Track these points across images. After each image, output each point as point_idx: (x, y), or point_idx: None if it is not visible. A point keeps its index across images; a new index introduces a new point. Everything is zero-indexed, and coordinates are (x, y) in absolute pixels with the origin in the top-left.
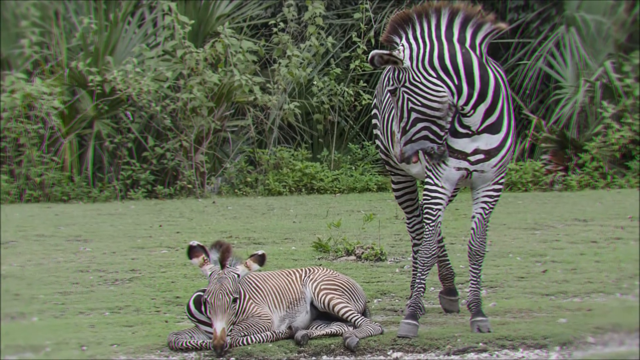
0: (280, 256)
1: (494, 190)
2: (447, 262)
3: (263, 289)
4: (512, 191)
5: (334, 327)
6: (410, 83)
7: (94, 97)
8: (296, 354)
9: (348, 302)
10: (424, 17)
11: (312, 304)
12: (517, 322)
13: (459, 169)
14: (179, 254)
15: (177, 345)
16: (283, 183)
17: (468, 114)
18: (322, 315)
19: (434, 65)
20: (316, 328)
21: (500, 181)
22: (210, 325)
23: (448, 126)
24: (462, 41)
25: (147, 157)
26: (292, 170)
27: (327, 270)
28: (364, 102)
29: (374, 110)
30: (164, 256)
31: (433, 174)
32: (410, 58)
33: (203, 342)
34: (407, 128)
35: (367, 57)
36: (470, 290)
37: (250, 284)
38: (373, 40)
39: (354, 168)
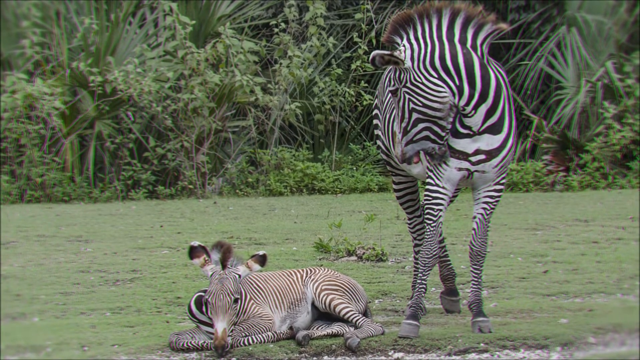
0: (282, 256)
1: (495, 190)
2: (448, 263)
3: (264, 290)
4: (513, 192)
5: (335, 328)
6: (412, 83)
7: (95, 97)
8: (297, 355)
9: (349, 303)
10: (425, 18)
11: (313, 304)
12: (518, 322)
13: (460, 169)
14: (180, 254)
15: (178, 345)
16: (284, 183)
17: (469, 115)
18: (323, 315)
19: (435, 66)
20: (317, 328)
21: (502, 182)
22: (211, 325)
23: (449, 127)
24: (463, 42)
25: (148, 157)
26: (293, 170)
27: (328, 270)
28: (365, 103)
29: (375, 111)
30: (165, 257)
31: (434, 174)
32: (412, 58)
33: (204, 342)
34: (408, 128)
35: (368, 57)
36: (472, 291)
37: (252, 284)
38: (374, 41)
39: (355, 168)
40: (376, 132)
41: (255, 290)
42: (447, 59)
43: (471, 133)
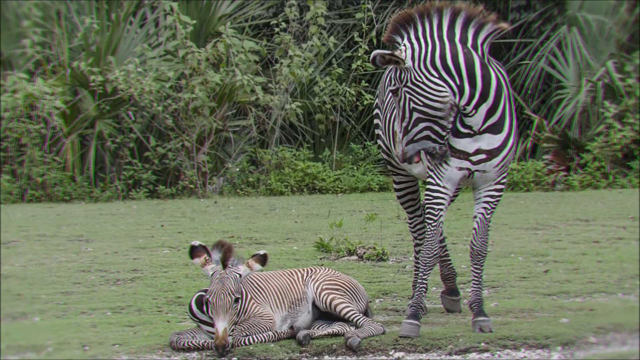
0: (282, 256)
1: (495, 190)
2: (449, 262)
3: (265, 289)
4: (514, 191)
5: (336, 327)
6: (412, 83)
7: (95, 97)
8: (298, 354)
9: (350, 302)
10: (425, 17)
11: (314, 304)
12: (519, 322)
13: (460, 169)
14: (180, 253)
15: (179, 345)
16: (285, 183)
17: (470, 114)
18: (324, 315)
19: (435, 65)
20: (318, 328)
21: (502, 181)
22: (212, 325)
23: (450, 126)
24: (464, 41)
25: (149, 157)
26: (293, 170)
27: (329, 270)
28: (365, 102)
29: (376, 110)
30: (165, 256)
31: (435, 174)
32: (412, 58)
33: (205, 342)
34: (409, 128)
35: (369, 57)
36: (472, 290)
37: (252, 284)
38: (375, 40)
39: (355, 168)
40: (377, 131)
41: (256, 290)
42: (448, 59)
43: (472, 132)
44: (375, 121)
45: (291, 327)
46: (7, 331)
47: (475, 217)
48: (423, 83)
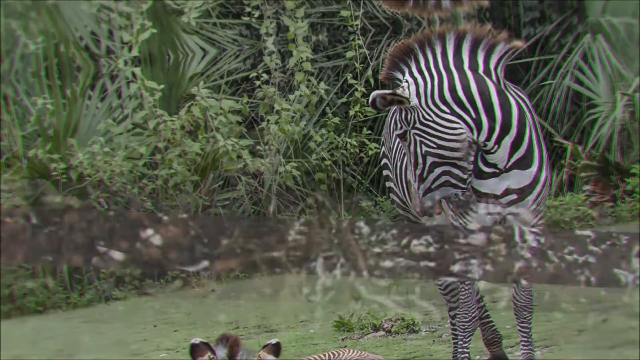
0: (298, 342)
1: None
2: (491, 324)
3: None
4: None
5: None
6: (421, 123)
7: (59, 187)
8: None
9: None
10: (427, 46)
11: None
12: None
13: (490, 214)
14: (180, 355)
15: None
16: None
17: (492, 151)
18: None
19: (445, 100)
20: None
21: (539, 222)
22: None
23: (471, 167)
24: (474, 68)
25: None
26: None
27: (354, 352)
28: (370, 153)
29: (384, 160)
30: None
31: (461, 224)
32: (418, 95)
33: None
34: (425, 175)
35: (368, 100)
36: (522, 353)
37: None
38: (372, 80)
39: None
40: (388, 184)
41: None
42: (459, 90)
43: (497, 171)
44: (385, 172)
45: None
46: None
47: None
48: (434, 122)
